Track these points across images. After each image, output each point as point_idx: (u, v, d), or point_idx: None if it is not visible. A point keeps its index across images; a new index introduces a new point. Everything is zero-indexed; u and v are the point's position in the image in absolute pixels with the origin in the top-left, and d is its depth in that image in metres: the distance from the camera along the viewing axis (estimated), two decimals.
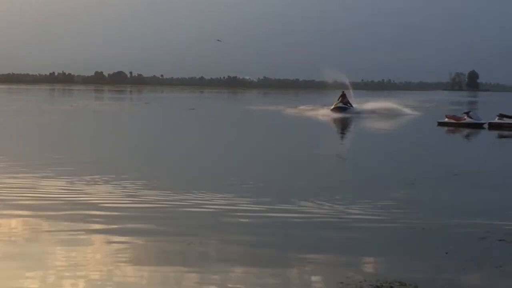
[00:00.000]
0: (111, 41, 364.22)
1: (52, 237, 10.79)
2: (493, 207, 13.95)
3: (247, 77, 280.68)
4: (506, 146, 33.48)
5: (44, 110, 55.82)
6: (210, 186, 15.61)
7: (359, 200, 14.08)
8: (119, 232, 11.16)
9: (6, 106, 60.31)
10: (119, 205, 13.40)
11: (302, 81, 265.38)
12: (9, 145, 26.29)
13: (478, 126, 40.48)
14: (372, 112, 53.96)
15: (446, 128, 40.55)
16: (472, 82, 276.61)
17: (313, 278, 8.84)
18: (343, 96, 55.17)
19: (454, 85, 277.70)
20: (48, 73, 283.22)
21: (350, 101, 55.53)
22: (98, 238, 10.79)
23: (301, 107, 63.04)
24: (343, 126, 44.78)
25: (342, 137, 37.41)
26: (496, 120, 40.70)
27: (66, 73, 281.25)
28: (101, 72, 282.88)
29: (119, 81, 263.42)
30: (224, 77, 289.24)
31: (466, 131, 38.97)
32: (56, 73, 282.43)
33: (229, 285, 8.52)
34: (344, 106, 53.87)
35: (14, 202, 13.43)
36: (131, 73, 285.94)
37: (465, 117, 41.63)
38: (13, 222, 11.91)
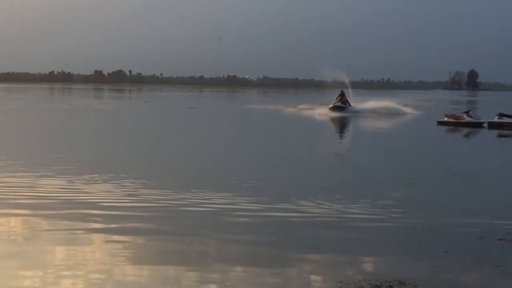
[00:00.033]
0: (110, 40, 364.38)
1: (51, 236, 10.78)
2: (493, 207, 13.94)
3: (246, 76, 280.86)
4: (506, 145, 33.47)
5: (43, 109, 55.81)
6: (209, 185, 15.59)
7: (358, 200, 14.07)
8: (118, 231, 11.15)
9: (6, 105, 60.29)
10: (119, 204, 13.38)
11: (301, 80, 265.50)
12: (9, 144, 26.28)
13: (478, 125, 40.47)
14: (371, 111, 53.72)
15: (445, 127, 40.55)
16: (471, 81, 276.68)
17: (313, 277, 8.84)
18: (342, 95, 54.98)
19: (453, 84, 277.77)
20: (47, 72, 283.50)
21: (349, 100, 55.32)
22: (97, 237, 10.78)
23: (300, 106, 63.02)
24: (342, 125, 44.75)
25: (341, 137, 37.42)
26: (496, 119, 40.69)
27: (66, 72, 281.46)
28: (101, 71, 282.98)
29: (118, 80, 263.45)
30: (223, 76, 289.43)
31: (465, 130, 38.97)
32: (55, 72, 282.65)
33: (229, 284, 8.51)
34: (342, 105, 53.68)
35: (13, 201, 13.41)
36: (130, 72, 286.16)
37: (465, 116, 41.62)
38: (12, 221, 11.90)
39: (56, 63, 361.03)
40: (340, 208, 13.22)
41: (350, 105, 54.50)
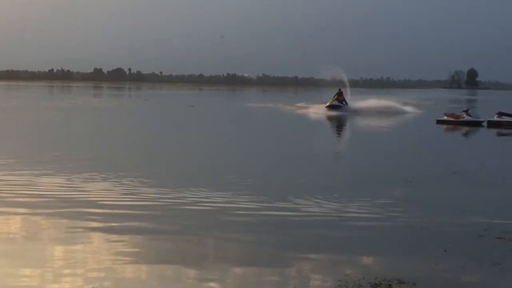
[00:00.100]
0: (110, 38, 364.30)
1: (51, 234, 10.79)
2: (492, 205, 13.95)
3: (246, 75, 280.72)
4: (505, 144, 33.48)
5: (43, 106, 55.77)
6: (209, 184, 15.59)
7: (357, 198, 14.08)
8: (117, 229, 11.15)
9: (5, 103, 60.26)
10: (118, 202, 13.38)
11: (301, 78, 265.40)
12: (8, 142, 26.27)
13: (477, 124, 40.49)
14: (367, 110, 53.26)
15: (445, 126, 40.55)
16: (471, 80, 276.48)
17: (312, 276, 8.84)
18: (339, 93, 54.36)
19: (453, 83, 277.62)
20: (47, 70, 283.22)
21: (346, 99, 54.88)
22: (96, 235, 10.78)
23: (299, 105, 62.97)
24: (339, 124, 44.62)
25: (339, 135, 37.41)
26: (495, 118, 40.71)
27: (65, 70, 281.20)
28: (100, 69, 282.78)
29: (118, 78, 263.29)
30: (223, 75, 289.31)
31: (465, 129, 38.99)
32: (55, 70, 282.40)
33: (228, 283, 8.52)
34: (338, 104, 53.26)
35: (12, 199, 13.42)
36: (130, 70, 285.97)
37: (464, 115, 41.65)
38: (11, 219, 11.89)
39: (56, 61, 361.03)
40: (339, 207, 13.22)
41: (346, 104, 54.11)
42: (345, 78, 63.73)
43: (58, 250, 9.88)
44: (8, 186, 14.85)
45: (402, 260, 9.65)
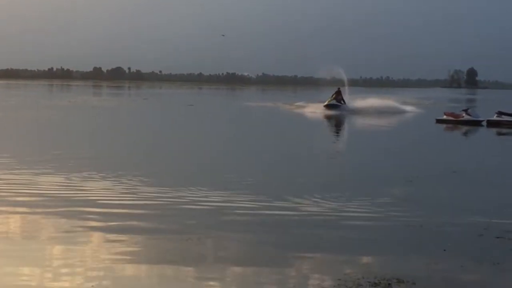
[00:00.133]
0: (109, 37, 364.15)
1: (50, 234, 10.78)
2: (491, 205, 13.95)
3: (245, 74, 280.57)
4: (505, 143, 33.49)
5: (42, 105, 55.74)
6: (208, 183, 15.59)
7: (357, 198, 14.08)
8: (116, 229, 11.15)
9: (5, 101, 60.23)
10: (117, 201, 13.37)
11: (300, 77, 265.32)
12: (7, 141, 26.26)
13: (477, 123, 40.50)
14: (365, 110, 53.01)
15: (444, 126, 40.56)
16: (470, 80, 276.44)
17: (311, 275, 8.84)
18: (338, 93, 54.05)
19: (452, 82, 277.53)
20: (46, 69, 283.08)
21: (344, 98, 54.62)
22: (95, 235, 10.77)
23: (297, 104, 62.92)
24: (338, 123, 44.57)
25: (339, 135, 37.40)
26: (495, 117, 40.73)
27: (65, 69, 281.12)
28: (100, 68, 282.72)
29: (117, 77, 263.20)
30: (222, 74, 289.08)
31: (464, 128, 39.00)
32: (54, 69, 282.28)
33: (227, 283, 8.52)
34: (336, 103, 53.00)
35: (11, 198, 13.41)
36: (129, 69, 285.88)
37: (464, 114, 41.66)
38: (10, 218, 11.88)
39: (55, 59, 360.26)
40: (338, 206, 13.22)
41: (344, 103, 53.85)
42: (344, 77, 63.60)
43: (58, 249, 9.88)
44: (7, 185, 14.83)
45: (402, 259, 9.65)
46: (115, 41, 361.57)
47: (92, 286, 8.20)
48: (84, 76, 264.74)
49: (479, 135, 36.57)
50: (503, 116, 40.58)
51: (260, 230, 11.31)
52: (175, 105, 64.23)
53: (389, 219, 12.21)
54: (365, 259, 9.60)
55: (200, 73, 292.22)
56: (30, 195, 13.80)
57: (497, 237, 10.92)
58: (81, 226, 11.22)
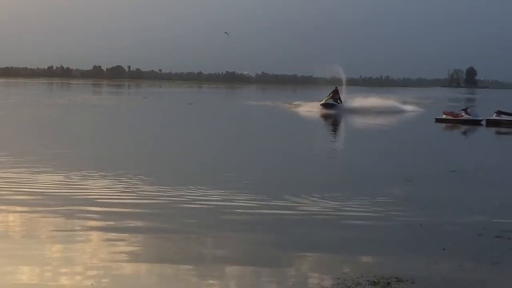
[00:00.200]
0: (109, 35, 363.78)
1: (49, 232, 10.78)
2: (490, 204, 13.96)
3: (245, 72, 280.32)
4: (504, 143, 33.51)
5: (42, 103, 55.72)
6: (207, 182, 15.59)
7: (356, 197, 14.08)
8: (116, 228, 11.15)
9: (4, 100, 60.20)
10: (117, 200, 13.37)
11: (300, 76, 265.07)
12: (7, 139, 26.25)
13: (476, 123, 40.52)
14: (363, 109, 52.54)
15: (444, 125, 40.58)
16: (470, 79, 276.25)
17: (311, 274, 8.85)
18: (335, 92, 53.75)
19: (452, 81, 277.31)
20: (46, 67, 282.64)
21: (341, 97, 54.29)
22: (94, 233, 10.78)
23: (296, 103, 62.84)
24: (334, 122, 44.50)
25: (338, 134, 37.39)
26: (494, 117, 40.75)
27: (65, 67, 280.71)
28: (99, 66, 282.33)
29: (117, 75, 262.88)
30: (222, 72, 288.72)
31: (464, 127, 39.02)
32: (54, 67, 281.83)
33: (227, 282, 8.52)
34: (332, 103, 52.67)
35: (11, 197, 13.41)
36: (129, 67, 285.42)
37: (463, 113, 41.68)
38: (10, 217, 11.89)
39: (55, 58, 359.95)
40: (338, 206, 13.23)
41: (341, 102, 53.51)
42: (342, 75, 63.28)
43: (57, 248, 9.88)
44: (7, 184, 14.83)
45: (401, 258, 9.65)
46: (115, 40, 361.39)
47: (92, 284, 8.21)
48: (84, 75, 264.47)
49: (478, 135, 36.58)
50: (502, 115, 40.60)
51: (260, 229, 11.31)
52: (175, 104, 64.21)
53: (389, 219, 12.22)
54: (364, 258, 9.61)
55: (200, 72, 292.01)
56: (30, 193, 13.80)
57: (497, 237, 10.93)
58: (80, 225, 11.22)
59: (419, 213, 12.63)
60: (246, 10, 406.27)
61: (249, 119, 46.23)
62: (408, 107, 58.22)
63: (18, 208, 12.41)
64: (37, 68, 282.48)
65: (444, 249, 10.15)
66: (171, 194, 14.01)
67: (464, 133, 37.22)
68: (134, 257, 9.41)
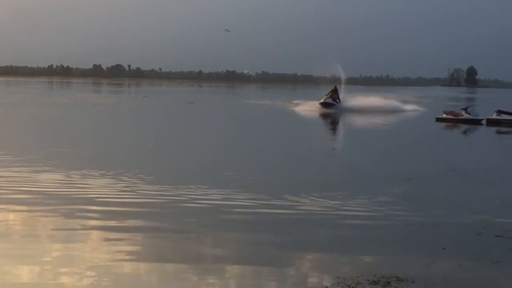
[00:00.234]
0: (109, 34, 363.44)
1: (49, 231, 10.78)
2: (490, 204, 13.97)
3: (245, 71, 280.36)
4: (504, 142, 33.51)
5: (42, 102, 55.72)
6: (207, 181, 15.60)
7: (356, 196, 14.09)
8: (116, 227, 11.16)
9: (5, 99, 60.20)
10: (117, 199, 13.37)
11: (300, 75, 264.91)
12: (7, 138, 26.25)
13: (476, 122, 40.53)
14: (360, 109, 52.14)
15: (444, 124, 40.57)
16: (470, 78, 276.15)
17: (310, 273, 8.85)
18: (334, 91, 53.49)
19: (452, 81, 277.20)
20: (46, 66, 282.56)
21: (340, 96, 54.06)
22: (94, 233, 10.78)
23: (295, 102, 62.77)
24: (333, 122, 44.46)
25: (338, 134, 37.40)
26: (494, 116, 40.77)
27: (65, 66, 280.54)
28: (100, 65, 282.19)
29: (117, 74, 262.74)
30: (222, 71, 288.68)
31: (464, 127, 39.02)
32: (54, 66, 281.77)
33: (227, 281, 8.53)
34: (331, 102, 52.43)
35: (10, 196, 13.41)
36: (129, 66, 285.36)
37: (463, 113, 41.69)
38: (10, 216, 11.89)
39: (55, 57, 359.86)
40: (337, 205, 13.23)
41: (339, 101, 53.28)
42: (342, 74, 62.95)
43: (57, 247, 9.88)
44: (6, 183, 14.83)
45: (401, 257, 9.66)
46: (115, 39, 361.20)
47: (92, 283, 8.22)
48: (84, 74, 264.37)
49: (478, 134, 36.59)
50: (502, 115, 40.61)
51: (260, 228, 11.32)
52: (175, 103, 64.20)
53: (388, 218, 12.23)
54: (364, 258, 9.61)
55: (200, 71, 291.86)
56: (30, 192, 13.80)
57: (496, 236, 10.93)
58: (80, 224, 11.22)
59: (419, 213, 12.63)
60: (246, 9, 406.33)
61: (248, 118, 46.19)
62: (409, 107, 58.08)
63: (18, 207, 12.40)
64: (37, 67, 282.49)
65: (444, 248, 10.16)
66: (171, 193, 14.01)
67: (464, 132, 37.23)
68: (134, 256, 9.42)
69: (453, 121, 41.25)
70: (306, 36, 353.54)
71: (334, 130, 39.26)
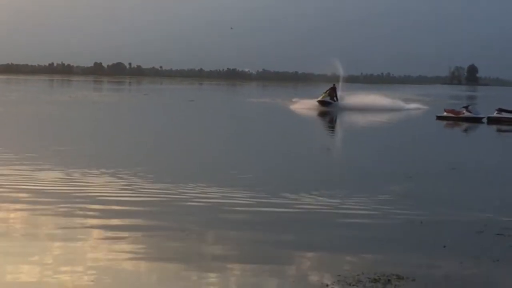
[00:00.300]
0: (110, 32, 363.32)
1: (49, 230, 10.77)
2: (491, 202, 13.96)
3: (246, 70, 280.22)
4: (505, 140, 33.50)
5: (43, 100, 55.71)
6: (207, 180, 15.59)
7: (357, 194, 14.08)
8: (116, 226, 11.16)
9: (5, 97, 60.19)
10: (117, 198, 13.36)
11: (301, 74, 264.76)
12: (7, 136, 26.24)
13: (477, 120, 40.51)
14: (358, 107, 51.78)
15: (445, 122, 40.55)
16: (471, 76, 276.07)
17: (311, 271, 8.84)
18: (332, 89, 53.15)
19: (453, 79, 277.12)
20: (47, 64, 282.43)
21: (338, 94, 53.70)
22: (95, 231, 10.77)
23: (294, 100, 62.66)
24: (333, 120, 44.38)
25: (337, 132, 37.38)
26: (495, 114, 40.73)
27: (65, 64, 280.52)
28: (100, 63, 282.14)
29: (118, 72, 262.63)
30: (223, 69, 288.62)
31: (464, 125, 39.01)
32: (55, 64, 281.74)
33: (226, 279, 8.52)
34: (328, 101, 52.11)
35: (11, 194, 13.40)
36: (130, 64, 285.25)
37: (464, 111, 41.66)
38: (10, 215, 11.89)
39: (56, 55, 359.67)
40: (338, 204, 13.22)
41: (337, 100, 52.99)
42: (340, 71, 62.56)
43: (57, 246, 9.87)
44: (6, 181, 14.82)
45: (401, 256, 9.66)
46: (115, 37, 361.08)
47: (92, 281, 8.22)
48: (84, 72, 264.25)
49: (479, 132, 36.57)
50: (503, 113, 40.57)
51: (260, 227, 11.31)
52: (176, 101, 64.20)
53: (389, 216, 12.22)
54: (365, 256, 9.60)
55: (201, 69, 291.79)
56: (30, 191, 13.79)
57: (497, 234, 10.93)
58: (81, 223, 11.22)
59: (419, 211, 12.62)
60: (247, 7, 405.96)
61: (248, 116, 46.16)
62: (412, 105, 57.83)
63: (18, 206, 12.40)
64: (38, 65, 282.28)
65: (444, 246, 10.15)
66: (171, 192, 14.00)
67: (465, 130, 37.21)
68: (135, 255, 9.42)
69: (454, 119, 41.23)
70: (307, 34, 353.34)
71: (333, 129, 39.24)
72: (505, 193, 15.58)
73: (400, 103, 58.10)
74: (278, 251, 9.78)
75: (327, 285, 8.18)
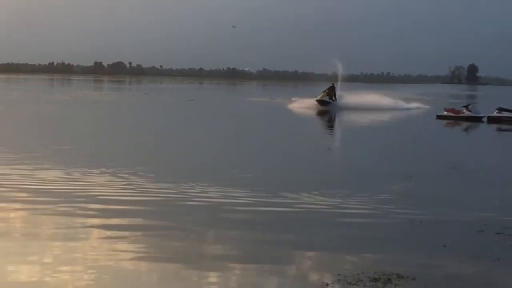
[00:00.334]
0: (110, 31, 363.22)
1: (49, 229, 10.77)
2: (491, 201, 13.96)
3: (246, 69, 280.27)
4: (505, 139, 33.49)
5: (43, 99, 55.70)
6: (208, 179, 15.59)
7: (357, 194, 14.08)
8: (116, 225, 11.15)
9: (5, 96, 60.19)
10: (117, 197, 13.37)
11: (301, 73, 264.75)
12: (7, 135, 26.24)
13: (477, 119, 40.51)
14: (357, 107, 51.60)
15: (445, 121, 40.55)
16: (471, 76, 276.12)
17: (311, 271, 8.85)
18: (331, 88, 53.09)
19: (453, 78, 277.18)
20: (47, 63, 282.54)
21: (337, 93, 53.58)
22: (95, 231, 10.77)
23: (294, 99, 62.61)
24: (332, 119, 44.35)
25: (336, 131, 37.38)
26: (495, 113, 40.74)
27: (65, 63, 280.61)
28: (100, 63, 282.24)
29: (118, 71, 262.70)
30: (223, 69, 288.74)
31: (465, 124, 39.00)
32: (55, 63, 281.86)
33: (227, 279, 8.52)
34: (327, 100, 51.96)
35: (10, 194, 13.40)
36: (130, 63, 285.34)
37: (464, 110, 41.66)
38: (10, 214, 11.89)
39: (56, 54, 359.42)
40: (338, 203, 13.22)
41: (336, 99, 52.91)
42: (339, 71, 62.38)
43: (58, 245, 9.87)
44: (7, 180, 14.82)
45: (402, 255, 9.66)
46: (115, 36, 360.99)
47: (92, 280, 8.22)
48: (85, 71, 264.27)
49: (479, 131, 36.57)
50: (503, 112, 40.58)
51: (260, 226, 11.31)
52: (176, 100, 64.19)
53: (389, 216, 12.22)
54: (365, 255, 9.60)
55: (201, 68, 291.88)
56: (30, 190, 13.79)
57: (497, 233, 10.93)
58: (81, 222, 11.21)
59: (419, 210, 12.62)
60: (248, 6, 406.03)
61: (248, 115, 46.16)
62: (412, 104, 57.78)
63: (18, 205, 12.40)
64: (38, 64, 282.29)
65: (444, 246, 10.15)
66: (171, 191, 14.00)
67: (465, 130, 37.21)
68: (135, 254, 9.42)
69: (454, 118, 41.23)
70: (308, 34, 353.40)
71: (332, 128, 39.23)
72: (505, 192, 15.59)
73: (400, 103, 58.10)
74: (278, 250, 9.78)
75: (327, 284, 8.18)
